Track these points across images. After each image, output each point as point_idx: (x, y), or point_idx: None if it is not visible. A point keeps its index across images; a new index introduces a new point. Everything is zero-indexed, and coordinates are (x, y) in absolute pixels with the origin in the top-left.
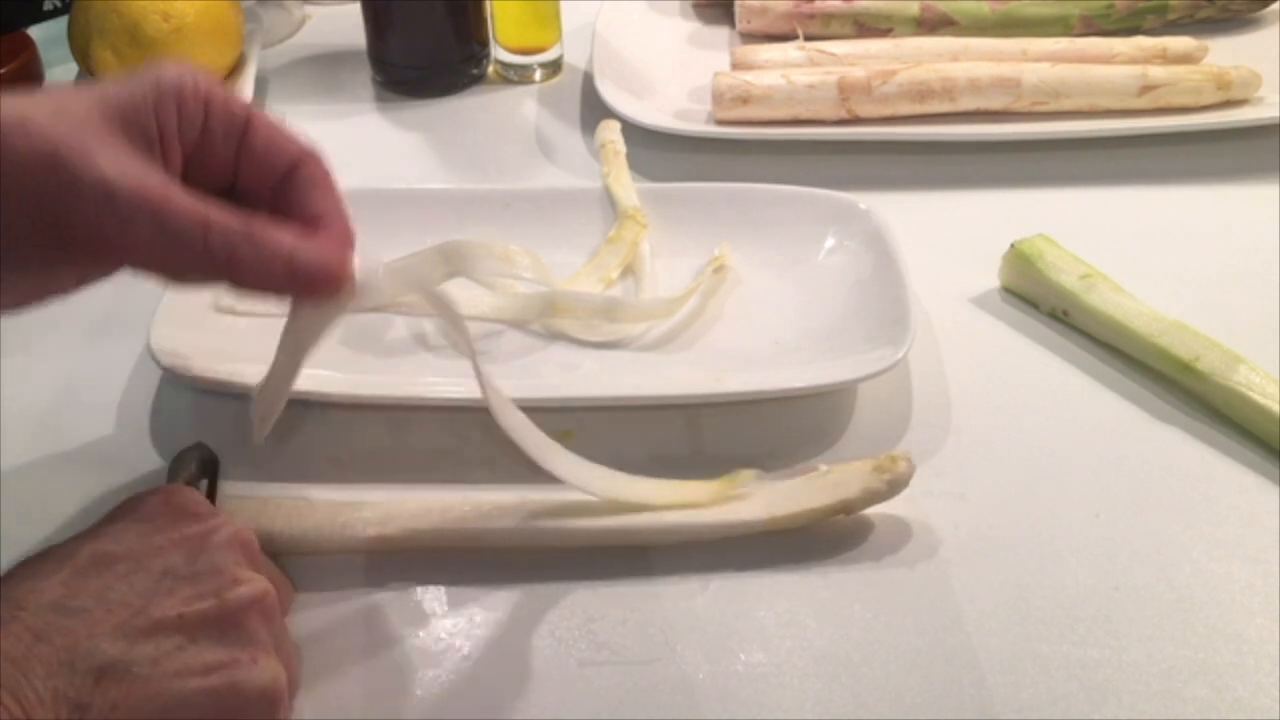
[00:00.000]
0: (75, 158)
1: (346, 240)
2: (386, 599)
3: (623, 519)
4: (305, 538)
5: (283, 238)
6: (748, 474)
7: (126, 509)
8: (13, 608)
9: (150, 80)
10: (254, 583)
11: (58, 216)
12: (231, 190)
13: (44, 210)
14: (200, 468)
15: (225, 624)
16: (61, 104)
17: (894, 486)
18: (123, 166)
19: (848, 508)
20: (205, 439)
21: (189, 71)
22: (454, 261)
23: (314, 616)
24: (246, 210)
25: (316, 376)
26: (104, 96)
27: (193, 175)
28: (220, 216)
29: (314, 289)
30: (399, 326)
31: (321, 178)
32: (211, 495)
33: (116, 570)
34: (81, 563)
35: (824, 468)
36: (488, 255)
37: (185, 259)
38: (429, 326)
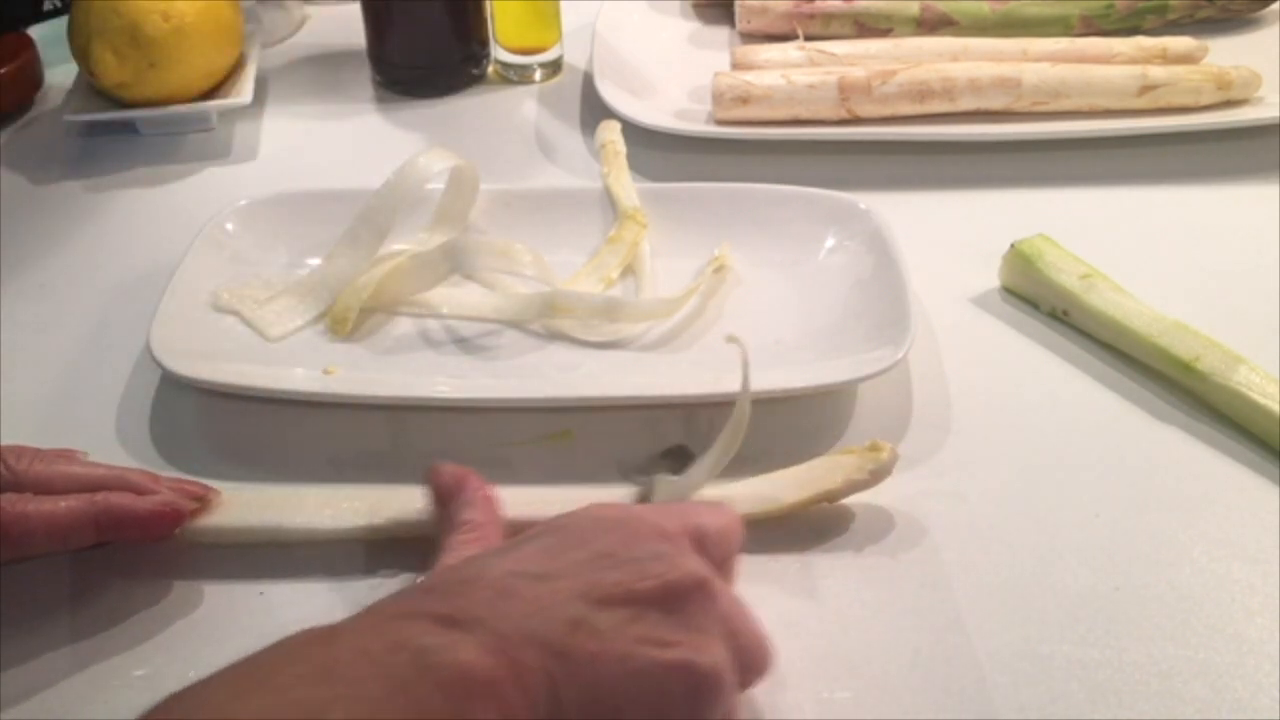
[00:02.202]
0: None
1: None
2: (380, 586)
3: None
4: (295, 528)
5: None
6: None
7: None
8: (471, 577)
9: None
10: (697, 569)
11: None
12: None
13: None
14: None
15: (670, 605)
16: None
17: (877, 475)
18: None
19: (830, 497)
20: (205, 439)
21: None
22: (455, 259)
23: (310, 604)
24: None
25: (317, 377)
26: None
27: None
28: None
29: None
30: (400, 326)
31: None
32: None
33: (557, 548)
34: (526, 547)
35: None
36: (489, 252)
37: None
38: (430, 326)
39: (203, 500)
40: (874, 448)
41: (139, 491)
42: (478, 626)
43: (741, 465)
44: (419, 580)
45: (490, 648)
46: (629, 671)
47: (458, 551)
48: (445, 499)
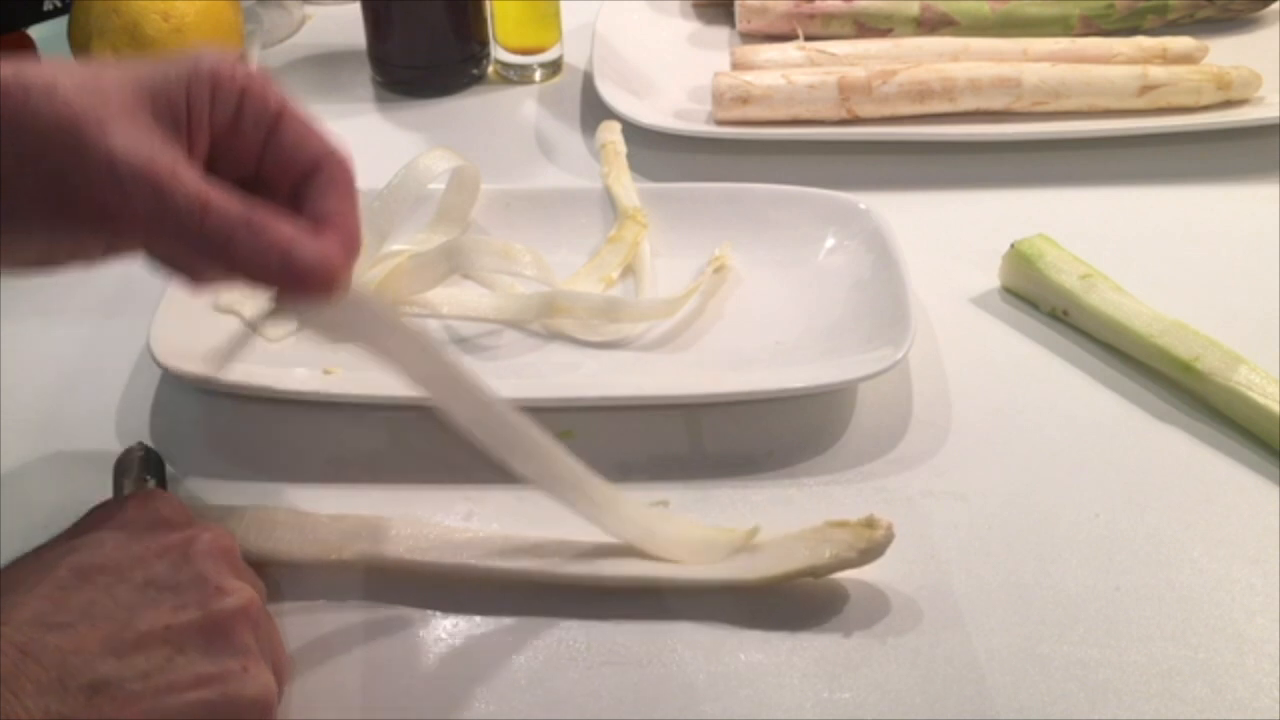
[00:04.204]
0: (91, 128)
1: (349, 245)
2: (380, 611)
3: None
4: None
5: (282, 230)
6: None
7: (101, 517)
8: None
9: (188, 64)
10: (240, 592)
11: (64, 184)
12: (255, 181)
13: (52, 176)
14: (144, 469)
15: (213, 634)
16: (94, 76)
17: (866, 555)
18: (135, 141)
19: (814, 573)
20: (205, 439)
21: (228, 58)
22: (455, 259)
23: (312, 623)
24: (260, 201)
25: (317, 377)
26: (138, 74)
27: (219, 162)
28: (222, 201)
29: (306, 287)
30: None
31: (341, 180)
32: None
33: (98, 582)
34: (62, 575)
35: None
36: (488, 252)
37: (181, 239)
38: (430, 326)
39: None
40: (869, 524)
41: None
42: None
43: (743, 466)
44: None
45: None
46: None
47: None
48: None
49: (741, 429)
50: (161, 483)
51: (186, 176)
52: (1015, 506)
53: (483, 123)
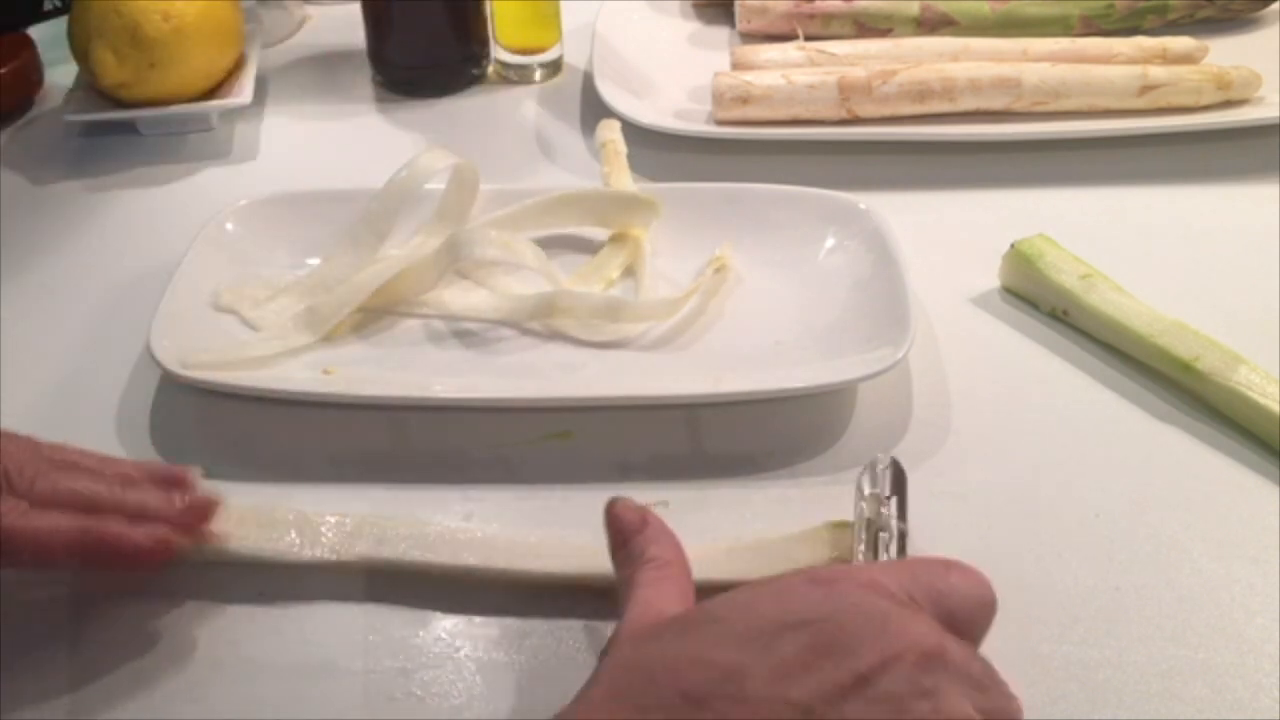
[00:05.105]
0: None
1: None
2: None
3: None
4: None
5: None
6: None
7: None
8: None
9: None
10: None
11: None
12: None
13: None
14: (894, 483)
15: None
16: None
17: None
18: None
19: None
20: (205, 439)
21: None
22: (457, 250)
23: (312, 623)
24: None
25: (317, 377)
26: None
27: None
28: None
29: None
30: (400, 326)
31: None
32: (902, 512)
33: (810, 654)
34: (753, 653)
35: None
36: (490, 243)
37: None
38: (430, 326)
39: (201, 533)
40: (842, 525)
41: (137, 513)
42: None
43: (743, 466)
44: (608, 644)
45: None
46: None
47: (651, 588)
48: (628, 535)
49: (741, 429)
50: (903, 501)
51: (31, 531)
52: (1015, 507)
53: (483, 123)
